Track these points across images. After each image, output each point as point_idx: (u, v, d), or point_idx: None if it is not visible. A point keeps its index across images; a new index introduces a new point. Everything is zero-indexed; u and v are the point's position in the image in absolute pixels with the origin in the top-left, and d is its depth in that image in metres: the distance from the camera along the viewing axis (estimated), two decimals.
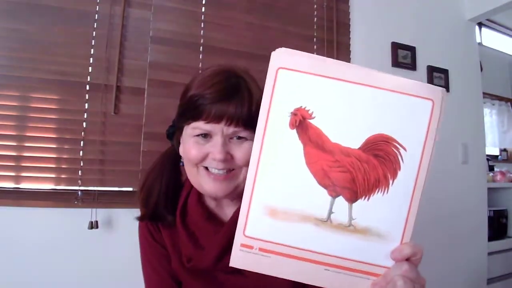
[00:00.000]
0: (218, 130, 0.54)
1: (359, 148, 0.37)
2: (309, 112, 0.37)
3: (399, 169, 0.37)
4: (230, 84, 0.55)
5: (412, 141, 0.37)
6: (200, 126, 0.54)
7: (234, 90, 0.55)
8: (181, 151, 0.61)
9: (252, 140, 0.58)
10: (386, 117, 0.37)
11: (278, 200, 0.38)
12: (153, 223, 0.63)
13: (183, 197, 0.63)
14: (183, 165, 0.63)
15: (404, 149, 0.37)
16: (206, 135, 0.55)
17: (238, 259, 0.39)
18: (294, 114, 0.37)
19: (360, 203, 0.38)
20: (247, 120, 0.53)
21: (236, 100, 0.54)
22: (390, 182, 0.37)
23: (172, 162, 0.65)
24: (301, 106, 0.36)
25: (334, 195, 0.37)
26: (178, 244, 0.61)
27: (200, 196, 0.62)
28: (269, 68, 0.36)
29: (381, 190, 0.37)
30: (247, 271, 0.58)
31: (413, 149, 0.37)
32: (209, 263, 0.57)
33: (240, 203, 0.60)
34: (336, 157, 0.37)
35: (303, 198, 0.38)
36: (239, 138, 0.55)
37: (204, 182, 0.56)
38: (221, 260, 0.57)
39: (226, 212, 0.63)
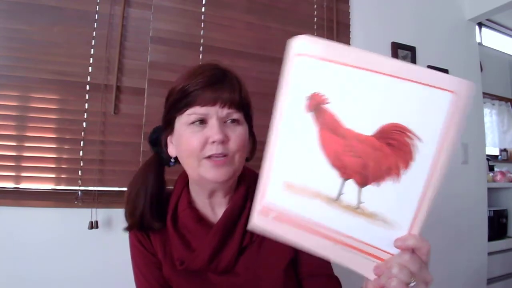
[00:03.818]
0: (213, 112, 0.56)
1: (373, 135, 0.37)
2: (324, 97, 0.37)
3: (413, 160, 0.37)
4: (218, 72, 0.58)
5: (429, 133, 0.36)
6: (196, 111, 0.56)
7: (223, 77, 0.58)
8: (172, 151, 0.62)
9: (244, 124, 0.59)
10: (402, 107, 0.36)
11: (293, 176, 0.39)
12: (142, 231, 0.64)
13: (173, 203, 0.64)
14: (173, 165, 0.64)
15: (420, 140, 0.36)
16: (201, 121, 0.56)
17: (255, 224, 0.41)
18: (310, 98, 0.38)
19: (370, 188, 0.38)
20: (239, 103, 0.56)
21: (227, 84, 0.57)
22: (402, 172, 0.37)
23: (154, 171, 0.65)
24: (317, 92, 0.37)
25: (345, 177, 0.38)
26: (169, 248, 0.62)
27: (190, 200, 0.64)
28: (287, 54, 0.37)
29: (392, 179, 0.37)
30: (238, 271, 0.59)
31: (429, 141, 0.36)
32: (202, 264, 0.58)
33: (231, 201, 0.62)
34: (349, 142, 0.38)
35: (316, 176, 0.39)
36: (233, 121, 0.57)
37: (205, 171, 0.56)
38: (213, 260, 0.58)
39: (217, 213, 0.63)
